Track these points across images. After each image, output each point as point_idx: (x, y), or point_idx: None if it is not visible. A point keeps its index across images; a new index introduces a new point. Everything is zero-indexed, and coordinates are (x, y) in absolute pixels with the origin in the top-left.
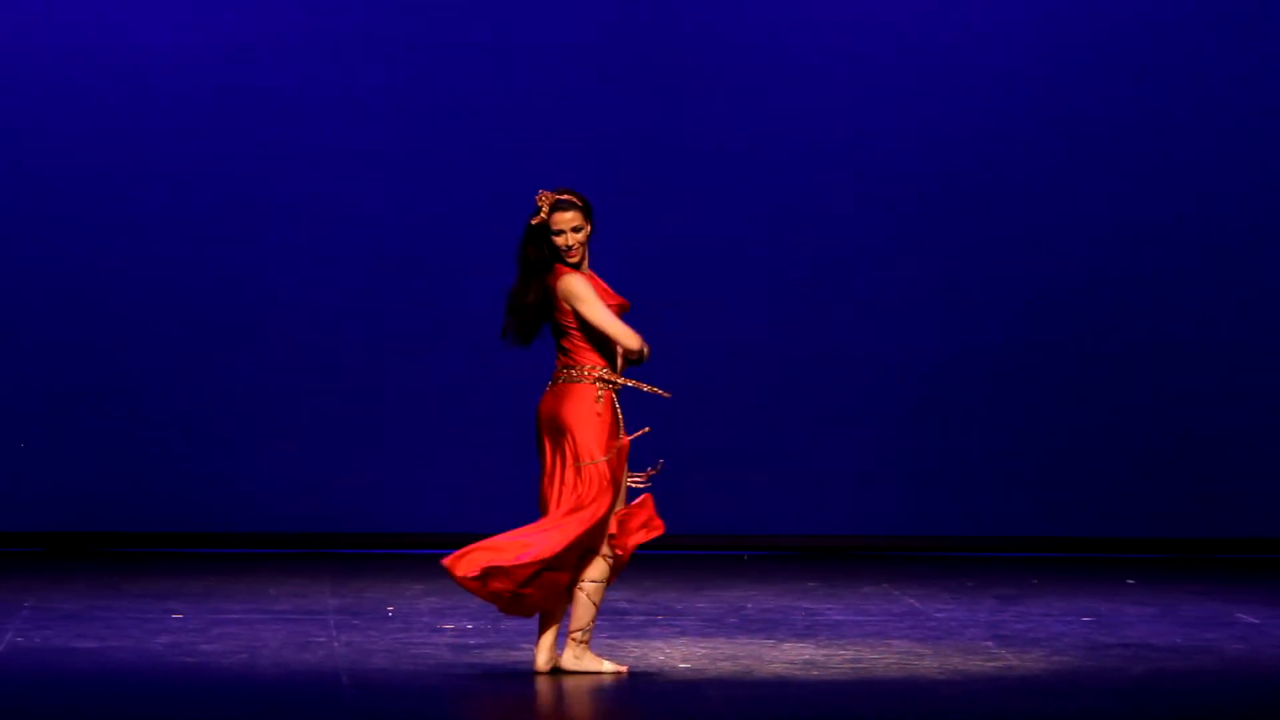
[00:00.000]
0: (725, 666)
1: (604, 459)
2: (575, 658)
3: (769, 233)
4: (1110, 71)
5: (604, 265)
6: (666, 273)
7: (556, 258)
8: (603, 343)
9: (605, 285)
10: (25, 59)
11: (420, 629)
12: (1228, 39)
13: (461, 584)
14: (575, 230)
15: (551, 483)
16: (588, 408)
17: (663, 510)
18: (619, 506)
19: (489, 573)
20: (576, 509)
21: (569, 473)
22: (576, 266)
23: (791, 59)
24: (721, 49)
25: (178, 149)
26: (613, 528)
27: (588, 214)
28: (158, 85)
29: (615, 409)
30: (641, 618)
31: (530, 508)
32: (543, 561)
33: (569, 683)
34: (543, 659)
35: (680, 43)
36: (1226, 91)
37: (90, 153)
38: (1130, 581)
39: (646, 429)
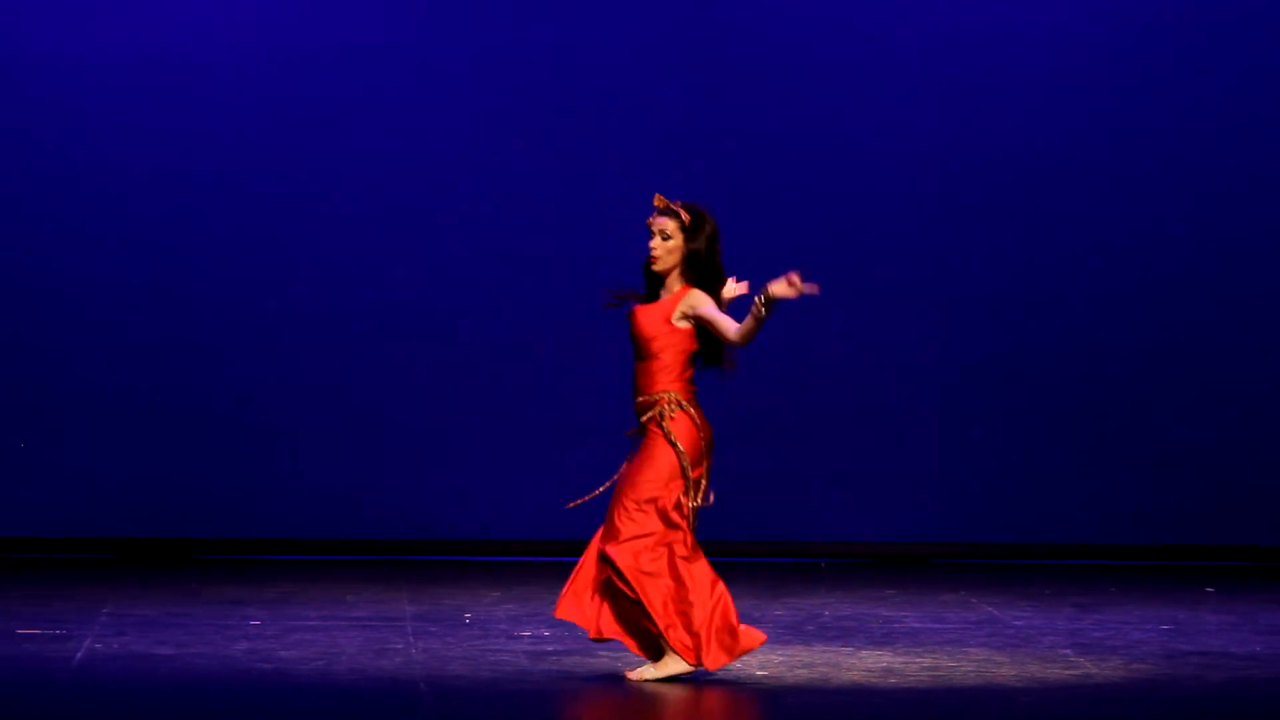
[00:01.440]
0: (802, 674)
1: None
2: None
3: (838, 241)
4: (1142, 76)
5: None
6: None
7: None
8: None
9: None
10: (47, 66)
11: (498, 636)
12: None
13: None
14: (664, 236)
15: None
16: None
17: (741, 518)
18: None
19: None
20: None
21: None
22: (661, 275)
23: (852, 61)
24: (797, 49)
25: (221, 156)
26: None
27: (684, 228)
28: (194, 91)
29: None
30: None
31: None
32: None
33: (648, 690)
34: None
35: (733, 41)
36: (1251, 100)
37: (142, 160)
38: (1209, 589)
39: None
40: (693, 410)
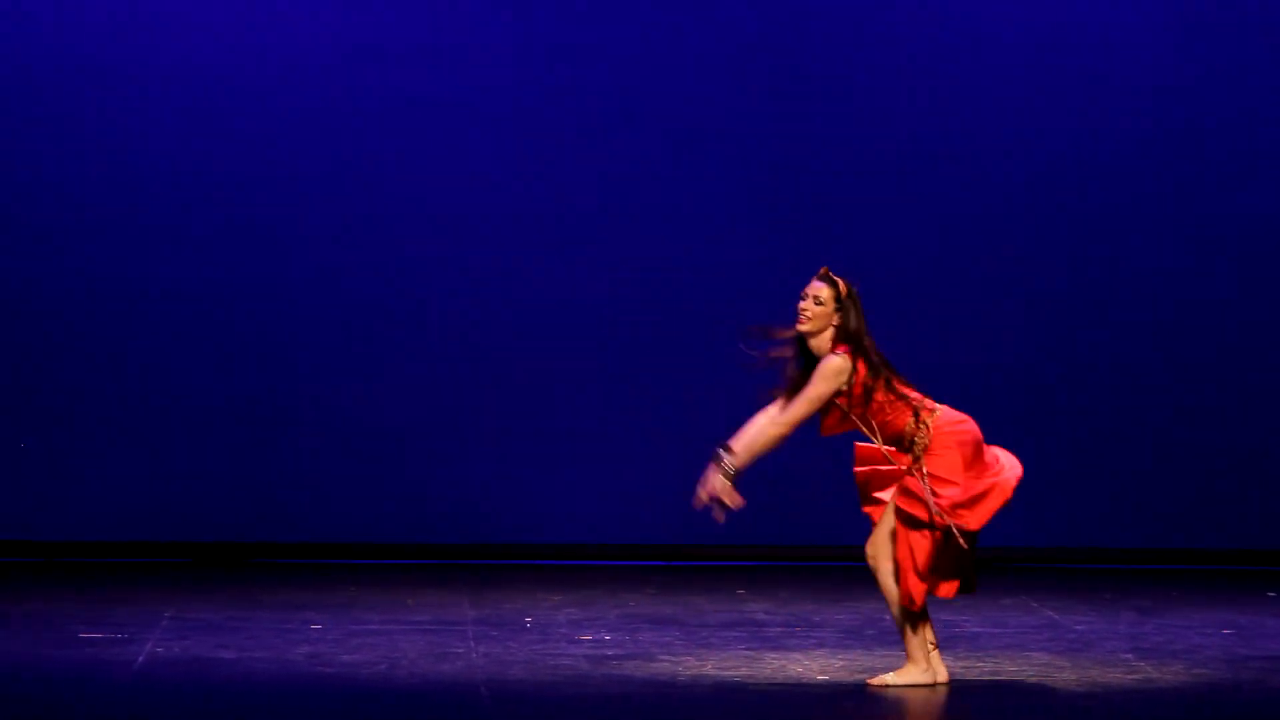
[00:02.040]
0: (863, 679)
1: None
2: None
3: (905, 245)
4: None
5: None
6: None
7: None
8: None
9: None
10: (53, 69)
11: (558, 640)
12: None
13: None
14: (816, 302)
15: None
16: None
17: (802, 522)
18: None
19: None
20: None
21: None
22: (803, 336)
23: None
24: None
25: (245, 159)
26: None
27: (838, 299)
28: (207, 95)
29: None
30: (779, 629)
31: (668, 518)
32: None
33: (705, 694)
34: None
35: (733, 43)
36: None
37: (165, 162)
38: (1271, 594)
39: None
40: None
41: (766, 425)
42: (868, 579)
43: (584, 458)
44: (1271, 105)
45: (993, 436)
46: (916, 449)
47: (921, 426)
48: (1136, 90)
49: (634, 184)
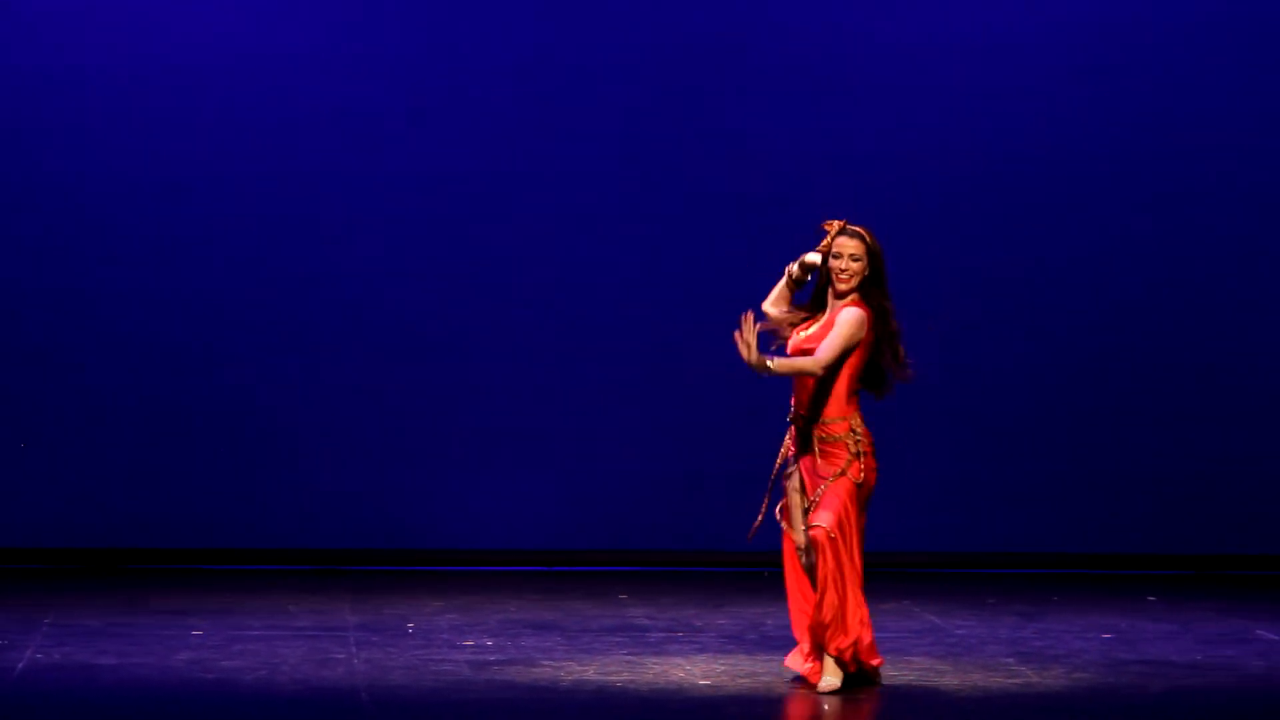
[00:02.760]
0: (745, 684)
1: None
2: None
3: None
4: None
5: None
6: (686, 289)
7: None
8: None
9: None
10: (41, 73)
11: (440, 645)
12: None
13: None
14: (854, 259)
15: None
16: None
17: (684, 526)
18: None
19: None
20: None
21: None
22: (844, 295)
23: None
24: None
25: (196, 161)
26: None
27: (869, 251)
28: (186, 98)
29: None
30: (662, 634)
31: (551, 524)
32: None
33: (587, 699)
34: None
35: (720, 46)
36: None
37: (117, 165)
38: (1150, 598)
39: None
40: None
41: (809, 363)
42: (749, 584)
43: (465, 464)
44: (1270, 109)
45: (886, 445)
46: (851, 448)
47: (856, 433)
48: (1124, 90)
49: (549, 190)
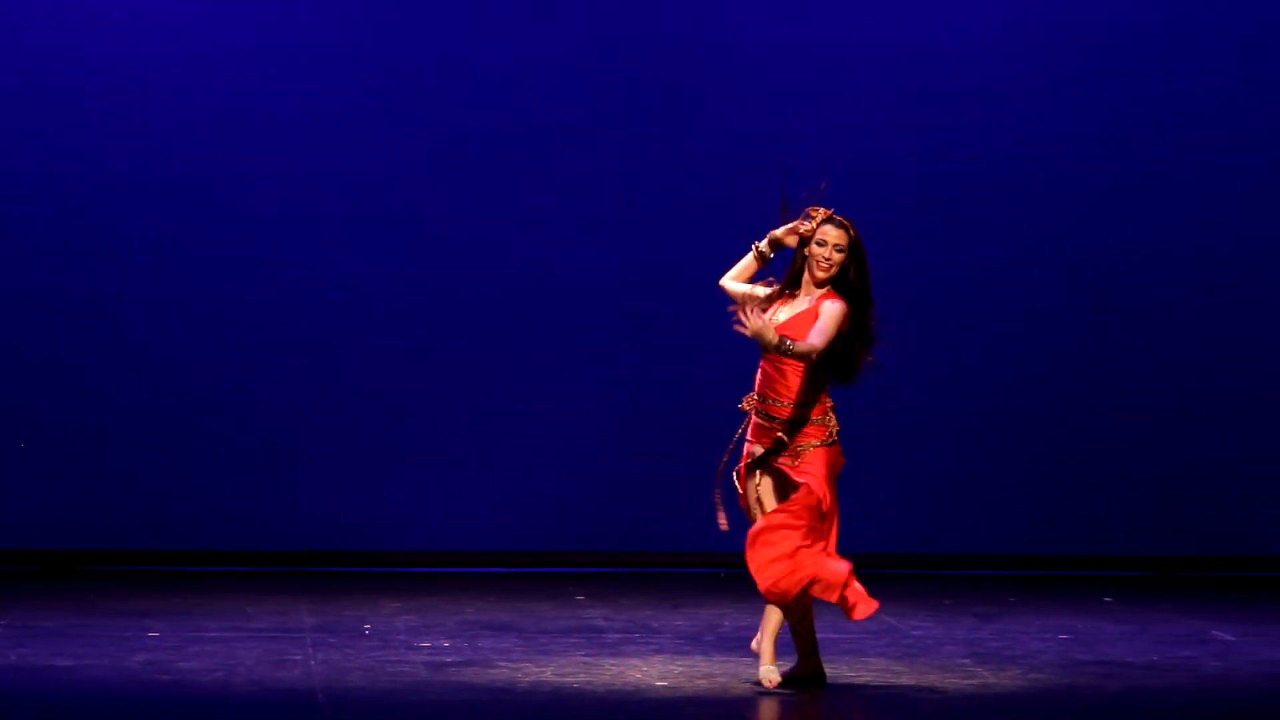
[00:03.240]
0: (702, 684)
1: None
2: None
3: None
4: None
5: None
6: (651, 286)
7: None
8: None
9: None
10: (22, 71)
11: (397, 647)
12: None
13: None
14: (838, 249)
15: None
16: None
17: (642, 528)
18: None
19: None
20: None
21: None
22: (822, 284)
23: (784, 73)
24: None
25: (157, 159)
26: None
27: (851, 244)
28: (170, 99)
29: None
30: (618, 635)
31: (508, 526)
32: None
33: (544, 700)
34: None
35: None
36: (1244, 114)
37: (85, 164)
38: (1108, 599)
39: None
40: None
41: (809, 348)
42: (706, 585)
43: (422, 466)
44: (1260, 111)
45: (844, 446)
46: (830, 431)
47: (830, 420)
48: (1117, 88)
49: (479, 194)
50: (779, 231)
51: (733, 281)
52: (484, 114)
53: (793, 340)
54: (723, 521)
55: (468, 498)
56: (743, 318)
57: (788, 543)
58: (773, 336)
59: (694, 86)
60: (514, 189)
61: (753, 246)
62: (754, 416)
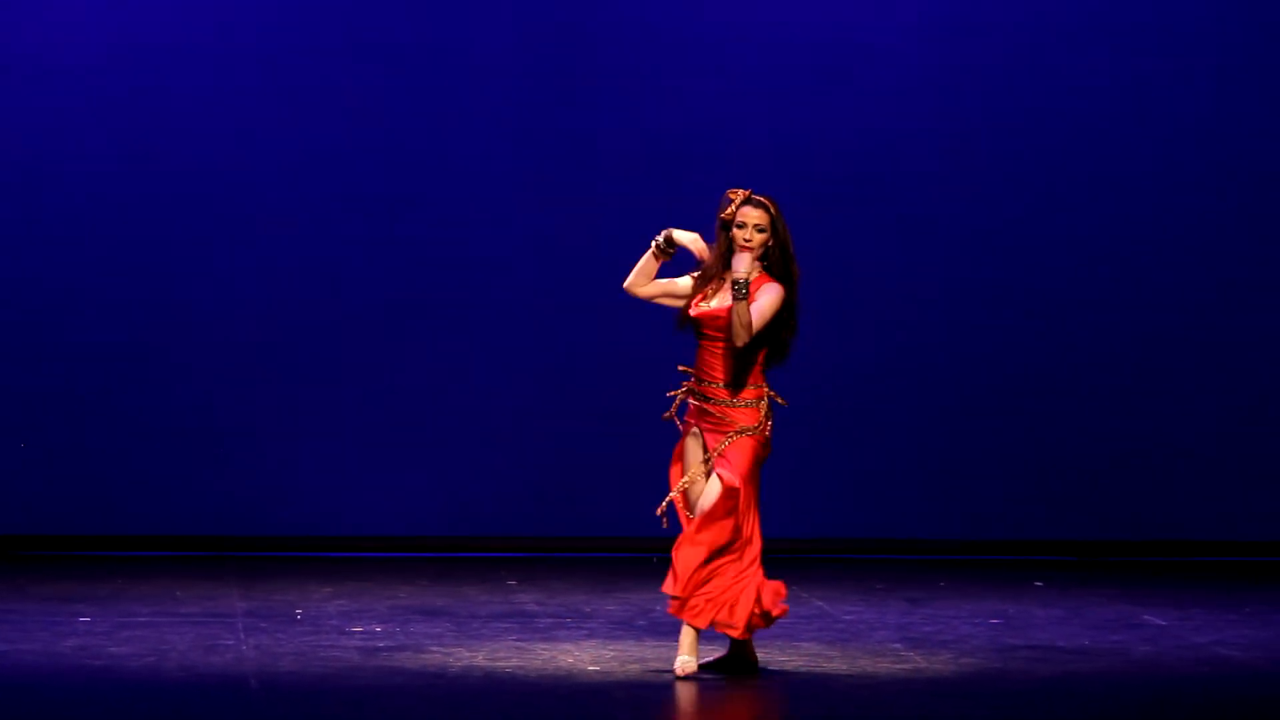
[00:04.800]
0: (634, 669)
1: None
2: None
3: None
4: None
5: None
6: (584, 271)
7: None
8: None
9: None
10: (30, 63)
11: (329, 632)
12: (1239, 42)
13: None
14: (758, 229)
15: None
16: None
17: (570, 512)
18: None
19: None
20: None
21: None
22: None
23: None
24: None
25: (132, 148)
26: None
27: (772, 222)
28: (105, 90)
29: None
30: (550, 620)
31: (440, 510)
32: None
33: (476, 685)
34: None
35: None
36: (1199, 99)
37: (58, 152)
38: (1038, 584)
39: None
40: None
41: (740, 325)
42: (638, 570)
43: (355, 450)
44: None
45: (774, 432)
46: (761, 421)
47: (766, 400)
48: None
49: (419, 175)
50: (677, 232)
51: (636, 282)
52: (436, 93)
53: (749, 302)
54: (664, 507)
55: (399, 482)
56: (739, 259)
57: (722, 579)
58: (751, 276)
59: (625, 68)
60: (445, 167)
61: (652, 243)
62: (691, 400)
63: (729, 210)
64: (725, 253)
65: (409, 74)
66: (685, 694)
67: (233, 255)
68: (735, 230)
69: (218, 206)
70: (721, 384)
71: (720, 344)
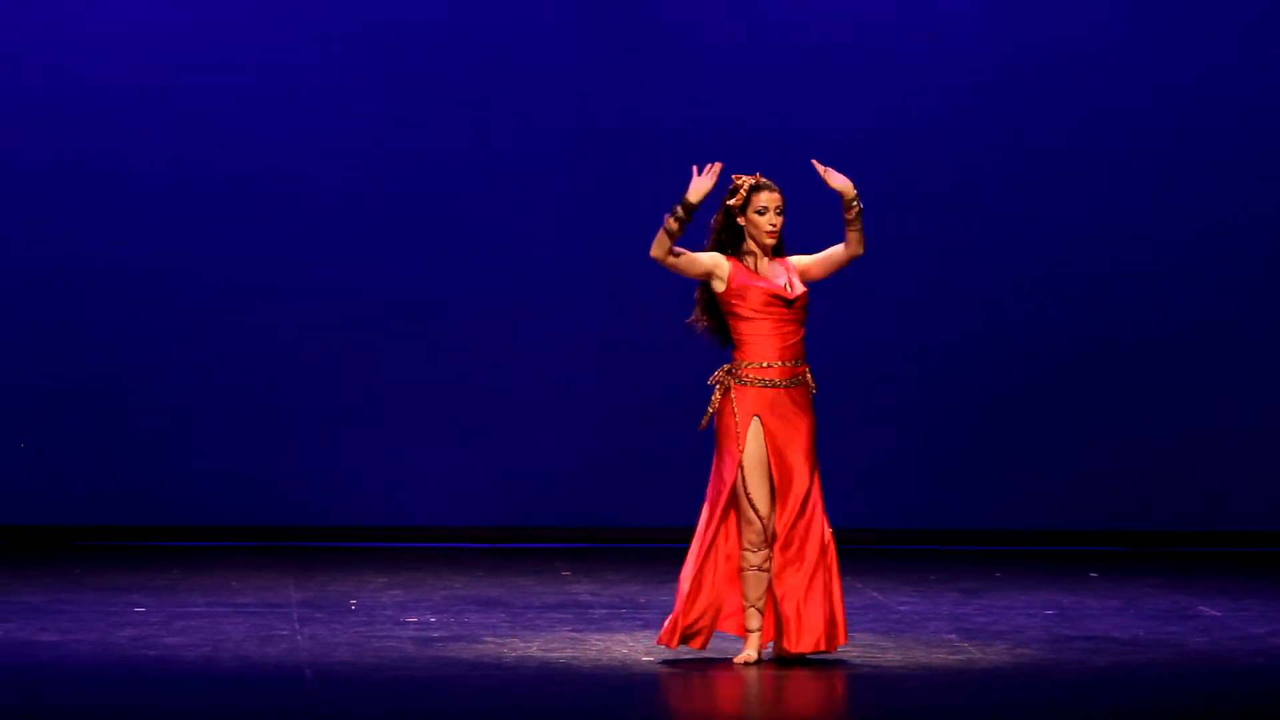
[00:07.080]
0: (688, 660)
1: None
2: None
3: None
4: (1075, 69)
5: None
6: (634, 263)
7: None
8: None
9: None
10: (12, 56)
11: (383, 622)
12: (1226, 38)
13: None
14: (779, 211)
15: None
16: None
17: (629, 504)
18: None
19: None
20: None
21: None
22: (778, 252)
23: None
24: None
25: (137, 141)
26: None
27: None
28: (138, 78)
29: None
30: (605, 611)
31: (495, 500)
32: None
33: (530, 675)
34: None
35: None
36: (1206, 92)
37: (56, 145)
38: (1093, 574)
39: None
40: None
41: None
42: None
43: (410, 440)
44: (1244, 94)
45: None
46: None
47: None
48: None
49: (448, 171)
50: (692, 195)
51: (662, 255)
52: (461, 91)
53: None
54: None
55: (454, 473)
56: (823, 174)
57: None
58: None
59: (658, 66)
60: (488, 167)
61: (664, 220)
62: (756, 388)
63: (739, 196)
64: (725, 239)
65: (462, 56)
66: (741, 685)
67: (289, 242)
68: (754, 216)
69: (267, 193)
70: (805, 360)
71: (795, 323)
